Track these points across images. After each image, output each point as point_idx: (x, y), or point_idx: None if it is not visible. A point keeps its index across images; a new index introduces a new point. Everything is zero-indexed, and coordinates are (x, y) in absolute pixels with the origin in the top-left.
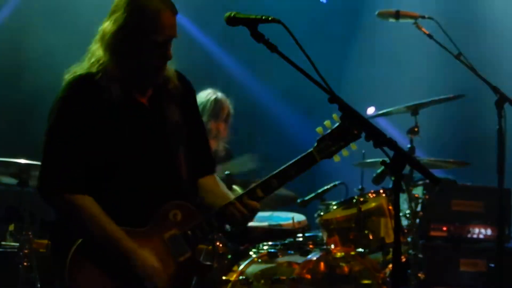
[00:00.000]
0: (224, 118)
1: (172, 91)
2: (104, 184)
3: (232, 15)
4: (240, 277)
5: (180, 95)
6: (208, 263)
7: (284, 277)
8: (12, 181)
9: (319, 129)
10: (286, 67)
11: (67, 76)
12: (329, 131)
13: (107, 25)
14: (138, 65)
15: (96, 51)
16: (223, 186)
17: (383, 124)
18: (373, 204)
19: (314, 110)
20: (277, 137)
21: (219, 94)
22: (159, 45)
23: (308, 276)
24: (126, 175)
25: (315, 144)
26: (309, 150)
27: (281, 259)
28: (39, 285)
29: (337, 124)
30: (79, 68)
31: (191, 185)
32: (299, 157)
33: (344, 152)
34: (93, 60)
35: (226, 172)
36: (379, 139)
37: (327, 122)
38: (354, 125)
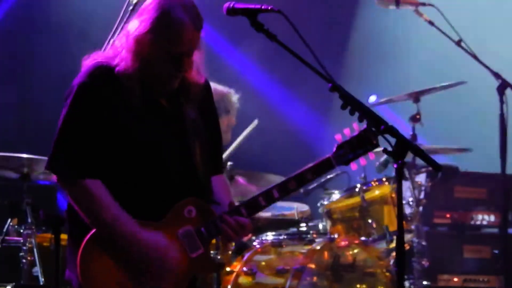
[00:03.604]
0: (233, 111)
1: (193, 92)
2: (120, 176)
3: (231, 5)
4: (244, 268)
5: (200, 97)
6: (219, 261)
7: (288, 267)
8: (14, 175)
9: (337, 136)
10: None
11: (87, 62)
12: (348, 138)
13: (133, 26)
14: (153, 71)
15: (119, 47)
16: (226, 190)
17: (385, 112)
18: (376, 193)
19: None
20: (293, 138)
21: (224, 88)
22: (174, 57)
23: (312, 266)
24: (142, 169)
25: (334, 150)
26: (327, 156)
27: (285, 249)
28: (42, 280)
29: (356, 133)
30: (100, 57)
31: (207, 182)
32: (316, 161)
33: (362, 160)
34: (116, 53)
35: (229, 163)
36: (381, 126)
37: (346, 130)
38: (374, 135)
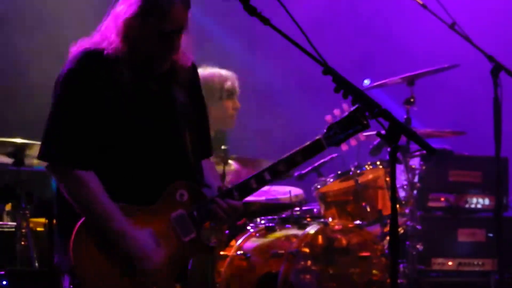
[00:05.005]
0: (237, 94)
1: (181, 75)
2: (111, 160)
3: None
4: (238, 252)
5: (188, 79)
6: (212, 244)
7: (282, 251)
8: (8, 160)
9: (328, 117)
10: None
11: (75, 48)
12: (338, 119)
13: (121, 9)
14: (144, 52)
15: (107, 31)
16: (214, 173)
17: (379, 96)
18: (370, 176)
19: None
20: (285, 122)
21: (227, 72)
22: (164, 35)
23: (307, 250)
24: (133, 152)
25: (324, 131)
26: (317, 137)
27: (279, 233)
28: (36, 264)
29: (346, 113)
30: (88, 43)
31: (197, 165)
32: (307, 143)
33: (352, 141)
34: (103, 39)
35: (223, 147)
36: (374, 110)
37: (336, 111)
38: (364, 115)
